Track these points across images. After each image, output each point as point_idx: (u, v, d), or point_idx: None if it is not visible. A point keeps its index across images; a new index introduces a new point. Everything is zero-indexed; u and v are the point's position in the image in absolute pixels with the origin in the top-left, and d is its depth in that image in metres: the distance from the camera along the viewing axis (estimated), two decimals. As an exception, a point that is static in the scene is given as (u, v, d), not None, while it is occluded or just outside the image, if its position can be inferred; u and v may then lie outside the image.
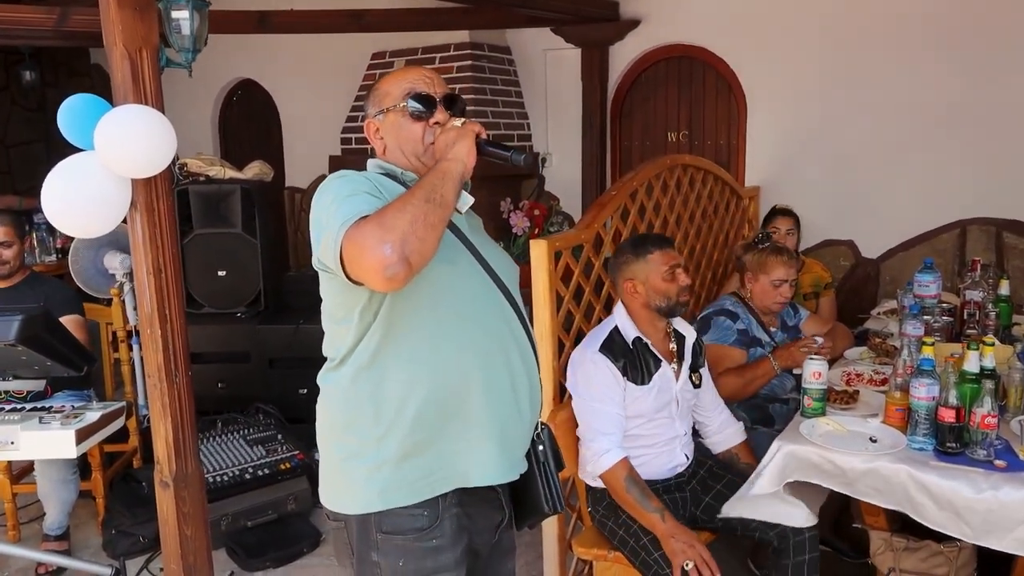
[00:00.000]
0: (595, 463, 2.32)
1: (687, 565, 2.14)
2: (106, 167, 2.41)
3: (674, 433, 2.51)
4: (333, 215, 1.42)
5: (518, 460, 1.64)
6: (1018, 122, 3.79)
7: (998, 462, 2.03)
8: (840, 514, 3.04)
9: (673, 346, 2.51)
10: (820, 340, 2.69)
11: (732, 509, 2.35)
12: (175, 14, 2.90)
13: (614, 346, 2.39)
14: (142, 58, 2.48)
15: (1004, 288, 3.04)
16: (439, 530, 1.56)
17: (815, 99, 4.28)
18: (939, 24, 3.91)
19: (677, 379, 2.48)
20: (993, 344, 2.19)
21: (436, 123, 1.59)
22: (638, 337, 2.42)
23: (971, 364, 2.13)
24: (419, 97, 1.59)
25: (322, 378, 1.64)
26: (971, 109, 3.88)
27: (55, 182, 2.40)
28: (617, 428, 2.35)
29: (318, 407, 1.66)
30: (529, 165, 1.61)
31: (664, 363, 2.44)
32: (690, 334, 2.58)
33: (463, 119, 1.57)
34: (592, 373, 2.37)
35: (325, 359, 1.65)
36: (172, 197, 2.63)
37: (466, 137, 1.51)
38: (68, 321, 3.20)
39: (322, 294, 1.59)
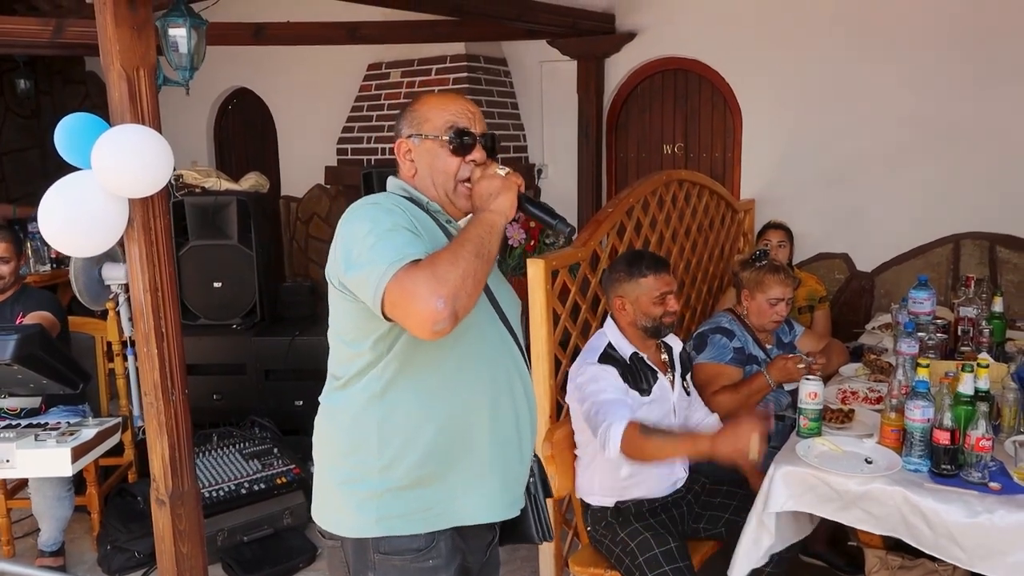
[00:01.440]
0: (610, 444, 2.21)
1: (753, 454, 2.00)
2: (103, 187, 2.41)
3: None
4: (377, 251, 1.40)
5: (518, 498, 1.65)
6: (1012, 137, 3.82)
7: (992, 484, 2.04)
8: (836, 529, 3.05)
9: (664, 357, 2.54)
10: (811, 360, 2.68)
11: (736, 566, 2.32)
12: (172, 32, 2.90)
13: (612, 361, 2.40)
14: (139, 77, 2.49)
15: (998, 305, 3.05)
16: (435, 551, 1.56)
17: (810, 113, 4.30)
18: (933, 40, 3.94)
19: (673, 389, 2.50)
20: (987, 365, 2.20)
21: (472, 161, 1.57)
22: (635, 352, 2.44)
23: (966, 386, 2.14)
24: (461, 132, 1.57)
25: (326, 397, 1.62)
26: (965, 124, 3.91)
27: (52, 201, 2.40)
28: (628, 411, 2.29)
29: (318, 424, 1.64)
30: (569, 237, 1.58)
31: (660, 375, 2.46)
32: (676, 344, 2.61)
33: (506, 168, 1.56)
34: (598, 373, 2.37)
35: (322, 372, 1.63)
36: (169, 216, 2.63)
37: (510, 191, 1.51)
38: (35, 317, 3.14)
39: (332, 309, 1.57)
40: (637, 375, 2.41)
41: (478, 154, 1.58)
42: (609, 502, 2.46)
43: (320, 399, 1.64)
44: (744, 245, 4.27)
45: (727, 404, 2.79)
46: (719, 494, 2.60)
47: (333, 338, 1.59)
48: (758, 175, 4.50)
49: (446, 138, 1.57)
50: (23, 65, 7.42)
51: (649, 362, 2.45)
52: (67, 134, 2.48)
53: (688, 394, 2.59)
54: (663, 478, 2.49)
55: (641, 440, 2.17)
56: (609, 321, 2.50)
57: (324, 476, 1.62)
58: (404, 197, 1.59)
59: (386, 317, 1.39)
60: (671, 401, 2.48)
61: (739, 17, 4.39)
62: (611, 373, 2.36)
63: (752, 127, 4.51)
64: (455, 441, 1.53)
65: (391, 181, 1.65)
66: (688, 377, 2.62)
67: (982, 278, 3.74)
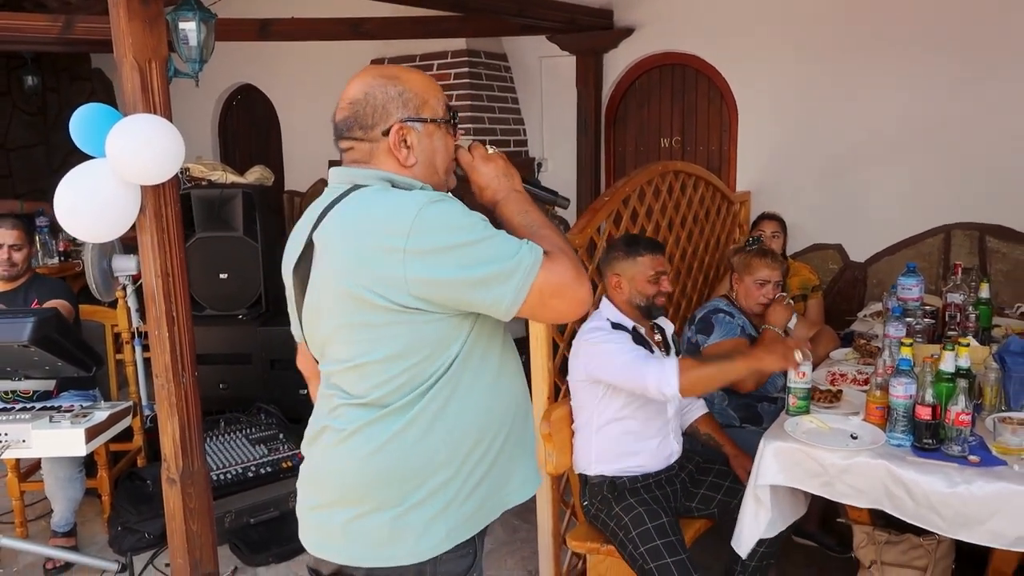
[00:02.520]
0: (668, 383, 2.23)
1: (798, 357, 2.22)
2: (117, 174, 2.50)
3: (665, 419, 2.57)
4: (503, 251, 1.32)
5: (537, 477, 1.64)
6: (1001, 129, 3.90)
7: (972, 457, 2.12)
8: (827, 511, 3.13)
9: (659, 337, 2.63)
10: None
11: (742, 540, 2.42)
12: (183, 26, 2.99)
13: (621, 329, 2.48)
14: (151, 69, 2.58)
15: (984, 291, 3.13)
16: (477, 561, 1.53)
17: (805, 107, 4.38)
18: (925, 33, 4.02)
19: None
20: (968, 345, 2.28)
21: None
22: (635, 327, 2.52)
23: (947, 364, 2.22)
24: (454, 111, 1.53)
25: (373, 430, 1.41)
26: (956, 117, 3.99)
27: (68, 188, 2.48)
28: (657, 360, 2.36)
29: (354, 462, 1.42)
30: (565, 206, 1.62)
31: (657, 351, 2.55)
32: (668, 327, 2.70)
33: (492, 146, 1.55)
34: (614, 337, 2.43)
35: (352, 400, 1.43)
36: (179, 204, 2.72)
37: (515, 175, 1.51)
38: (52, 304, 3.21)
39: (384, 341, 1.37)
40: (642, 343, 2.49)
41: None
42: (607, 471, 2.53)
43: (355, 433, 1.42)
44: (739, 236, 4.36)
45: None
46: (711, 473, 2.68)
47: (376, 363, 1.38)
48: (754, 168, 4.58)
49: (447, 119, 1.48)
50: (30, 61, 7.50)
51: (647, 338, 2.55)
52: (82, 123, 2.56)
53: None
54: (658, 451, 2.57)
55: (698, 370, 2.28)
56: (605, 300, 2.59)
57: (374, 517, 1.42)
58: (423, 189, 1.45)
59: (511, 318, 1.37)
60: None
61: (735, 13, 4.47)
62: (625, 338, 2.44)
63: (748, 121, 4.59)
64: (506, 429, 1.49)
65: (362, 173, 1.45)
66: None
67: (971, 267, 3.83)
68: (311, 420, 1.54)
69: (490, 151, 1.51)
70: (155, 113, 2.58)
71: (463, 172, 1.53)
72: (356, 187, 1.42)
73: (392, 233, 1.30)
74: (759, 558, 2.49)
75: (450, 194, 1.43)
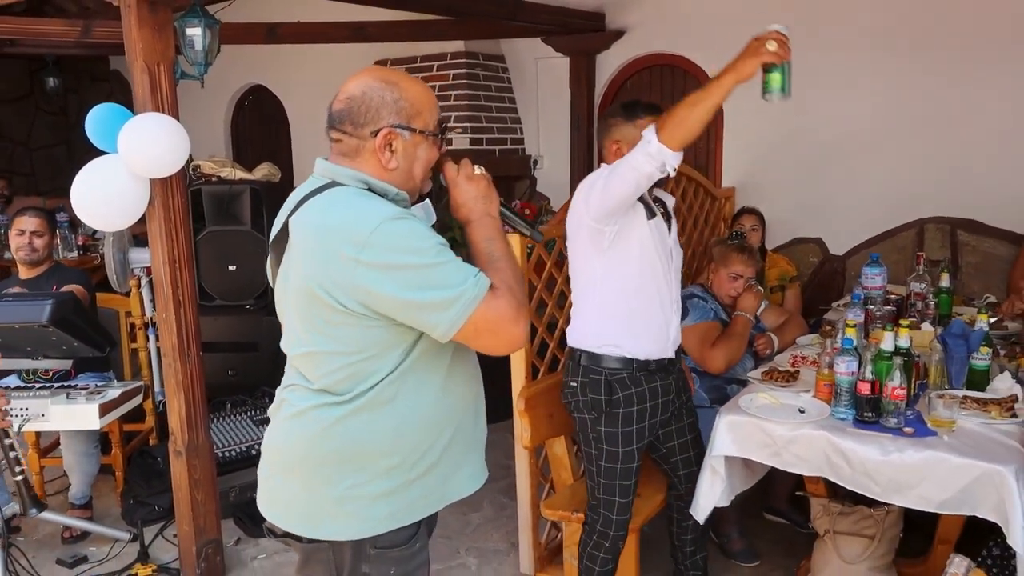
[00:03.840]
0: (649, 139, 2.14)
1: (771, 47, 1.99)
2: (128, 168, 2.73)
3: (671, 295, 2.48)
4: (444, 276, 1.38)
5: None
6: (972, 128, 4.04)
7: (907, 429, 2.30)
8: (796, 489, 3.30)
9: (660, 209, 2.52)
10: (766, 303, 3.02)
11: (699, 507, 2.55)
12: (189, 31, 3.22)
13: None
14: (160, 71, 2.81)
15: (945, 281, 3.30)
16: (420, 535, 1.61)
17: (786, 106, 4.45)
18: (902, 33, 4.16)
19: (669, 232, 2.51)
20: (908, 327, 2.45)
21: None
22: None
23: (886, 343, 2.39)
24: (444, 128, 1.56)
25: (320, 413, 1.51)
26: (930, 115, 4.14)
27: (83, 180, 2.72)
28: None
29: (301, 440, 1.53)
30: (539, 240, 1.60)
31: (658, 215, 2.45)
32: (669, 200, 2.61)
33: (480, 167, 1.56)
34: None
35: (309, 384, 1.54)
36: (186, 195, 2.94)
37: (494, 200, 1.55)
38: (69, 288, 3.45)
39: (324, 326, 1.46)
40: (643, 198, 2.37)
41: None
42: (599, 348, 2.44)
43: (309, 415, 1.52)
44: (724, 230, 4.53)
45: (727, 352, 3.06)
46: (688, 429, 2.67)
47: (333, 358, 1.48)
48: (738, 164, 4.75)
49: (434, 134, 1.52)
50: (51, 64, 7.78)
51: (646, 199, 2.42)
52: (96, 122, 2.80)
53: (680, 249, 2.60)
54: (659, 339, 2.46)
55: (667, 116, 2.10)
56: (604, 167, 2.42)
57: (317, 491, 1.53)
58: (367, 189, 1.50)
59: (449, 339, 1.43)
60: (668, 240, 2.49)
61: (719, 17, 4.63)
62: None
63: (732, 119, 4.75)
64: (453, 428, 1.57)
65: (342, 172, 1.51)
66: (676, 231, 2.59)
67: (942, 259, 3.99)
68: (279, 388, 1.64)
69: (476, 171, 1.54)
70: (163, 112, 2.80)
71: (445, 184, 1.57)
72: (334, 184, 1.50)
73: (350, 241, 1.38)
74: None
75: (422, 207, 1.57)
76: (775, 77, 2.03)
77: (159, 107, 2.81)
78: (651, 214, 2.40)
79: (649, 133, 2.15)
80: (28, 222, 3.64)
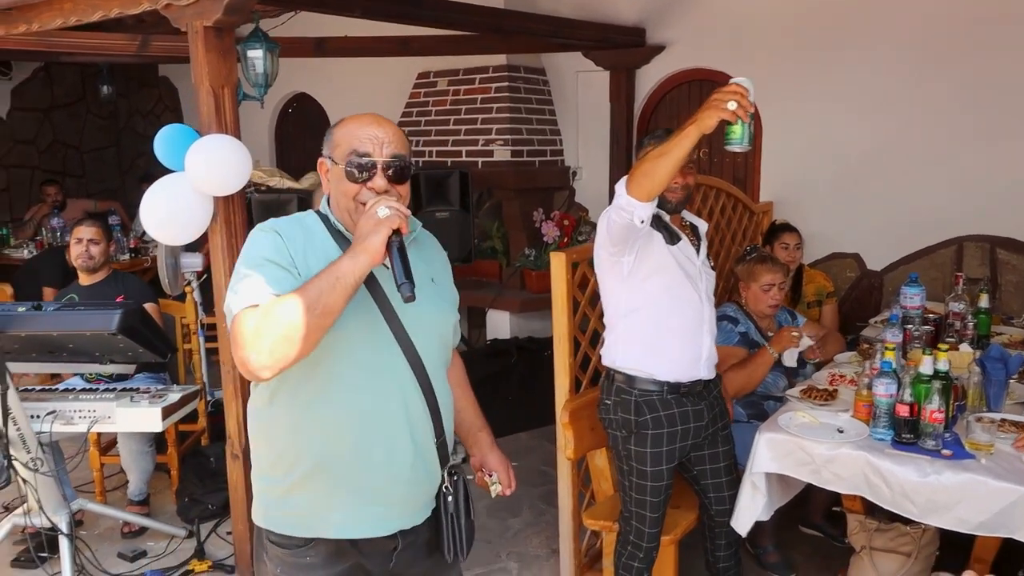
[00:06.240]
0: (619, 191, 2.23)
1: (731, 106, 2.01)
2: (194, 186, 2.87)
3: (701, 316, 2.50)
4: (234, 285, 1.51)
5: (392, 517, 1.68)
6: (1013, 144, 4.05)
7: (945, 451, 2.35)
8: (831, 503, 3.36)
9: (688, 234, 2.57)
10: (809, 340, 3.03)
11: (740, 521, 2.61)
12: (251, 54, 3.36)
13: None
14: (224, 94, 2.95)
15: (984, 301, 3.33)
16: (313, 551, 1.65)
17: (825, 120, 4.58)
18: (942, 48, 4.18)
19: (697, 254, 2.53)
20: (946, 350, 2.50)
21: (372, 188, 1.59)
22: (658, 214, 2.43)
23: (925, 367, 2.45)
24: (359, 162, 1.58)
25: (252, 398, 1.70)
26: (971, 130, 4.15)
27: (154, 199, 2.87)
28: None
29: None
30: (406, 294, 1.50)
31: (684, 239, 2.49)
32: (702, 224, 2.64)
33: (392, 207, 1.52)
34: None
35: None
36: (245, 212, 3.08)
37: (380, 233, 1.48)
38: (148, 307, 3.67)
39: None
40: (664, 225, 2.45)
41: (379, 181, 1.59)
42: (630, 368, 2.50)
43: None
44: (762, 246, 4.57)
45: (737, 380, 3.08)
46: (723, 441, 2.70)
47: None
48: (777, 179, 4.79)
49: (342, 165, 1.59)
50: (106, 72, 8.03)
51: (672, 226, 2.49)
52: (164, 142, 2.95)
53: (712, 270, 2.63)
54: (686, 354, 2.49)
55: (637, 168, 2.15)
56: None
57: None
58: (319, 214, 1.66)
59: None
60: (696, 263, 2.51)
61: (760, 32, 4.69)
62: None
63: (771, 133, 4.79)
64: (313, 460, 1.60)
65: (323, 199, 1.71)
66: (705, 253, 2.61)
67: (981, 278, 4.01)
68: None
69: (380, 214, 1.50)
70: (226, 132, 2.94)
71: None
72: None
73: None
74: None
75: (320, 220, 1.65)
76: (735, 130, 2.09)
77: (223, 128, 2.94)
78: (672, 239, 2.45)
79: (620, 186, 2.22)
80: (85, 231, 3.83)
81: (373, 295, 1.60)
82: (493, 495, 1.91)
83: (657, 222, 2.42)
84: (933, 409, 2.35)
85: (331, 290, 1.44)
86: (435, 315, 1.72)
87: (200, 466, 3.89)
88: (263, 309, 1.44)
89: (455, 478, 1.75)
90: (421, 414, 1.66)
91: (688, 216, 2.64)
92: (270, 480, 1.66)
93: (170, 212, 2.88)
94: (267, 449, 1.66)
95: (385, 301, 1.60)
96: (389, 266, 1.53)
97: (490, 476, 1.91)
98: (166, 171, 2.94)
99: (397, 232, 1.51)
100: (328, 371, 1.57)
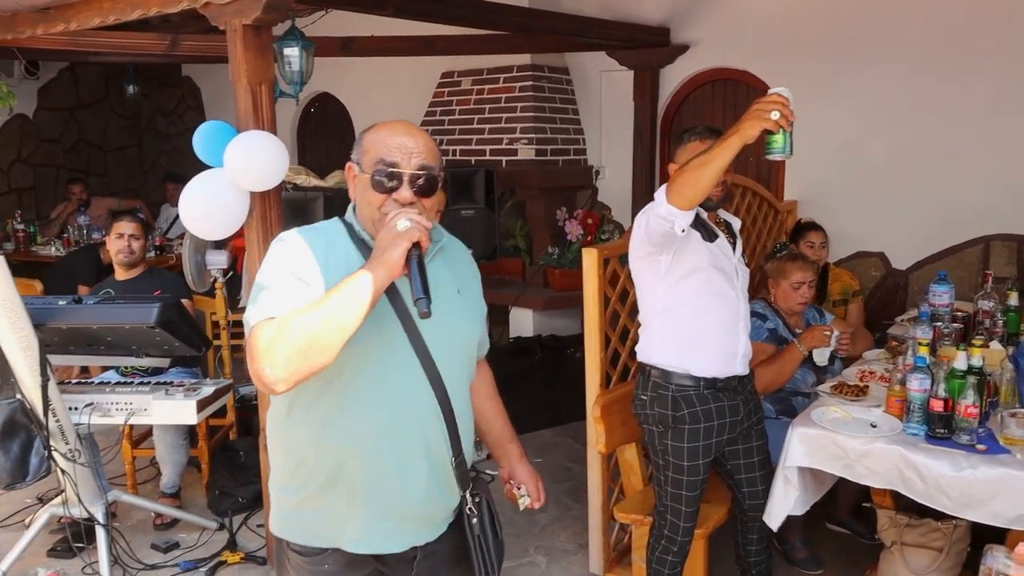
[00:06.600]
0: (658, 198, 2.24)
1: (774, 116, 2.02)
2: (232, 181, 2.92)
3: (737, 313, 2.53)
4: (253, 296, 1.51)
5: (407, 533, 1.66)
6: (1040, 145, 4.06)
7: (979, 446, 2.37)
8: (859, 500, 3.37)
9: (723, 230, 2.59)
10: (838, 333, 3.05)
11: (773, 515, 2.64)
12: (287, 52, 3.40)
13: None
14: (261, 91, 3.00)
15: (1013, 299, 3.33)
16: (331, 559, 1.65)
17: (850, 119, 4.58)
18: (968, 49, 4.18)
19: (734, 251, 2.57)
20: (980, 346, 2.52)
21: (396, 200, 1.56)
22: (695, 211, 2.36)
23: (959, 363, 2.47)
24: (385, 171, 1.56)
25: (271, 409, 1.70)
26: (995, 129, 4.15)
27: (193, 194, 2.92)
28: None
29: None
30: (422, 309, 1.46)
31: (721, 236, 2.52)
32: (735, 221, 2.68)
33: (413, 220, 1.49)
34: None
35: None
36: (280, 207, 3.13)
37: (399, 246, 1.46)
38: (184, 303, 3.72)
39: None
40: (701, 222, 2.46)
41: (404, 193, 1.56)
42: (667, 363, 2.52)
43: None
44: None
45: (765, 376, 3.07)
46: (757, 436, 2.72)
47: None
48: (801, 178, 4.80)
49: (369, 173, 1.57)
50: (131, 72, 8.11)
51: (708, 222, 2.51)
52: (203, 138, 3.00)
53: (747, 267, 2.65)
54: (722, 350, 2.51)
55: (679, 175, 2.16)
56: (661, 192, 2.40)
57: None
58: (344, 222, 1.65)
59: None
60: (732, 260, 2.54)
61: (784, 31, 4.70)
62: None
63: (796, 133, 4.71)
64: (333, 474, 1.60)
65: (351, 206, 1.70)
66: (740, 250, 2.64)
67: (1008, 276, 4.00)
68: None
69: (400, 227, 1.48)
70: (263, 129, 2.99)
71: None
72: None
73: None
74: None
75: (344, 228, 1.64)
76: (777, 139, 2.09)
77: (260, 124, 2.99)
78: (710, 237, 2.48)
79: (659, 195, 2.22)
80: (127, 226, 3.89)
81: (395, 308, 1.57)
82: (521, 508, 1.92)
83: (695, 220, 2.41)
84: (968, 404, 2.37)
85: (348, 304, 1.42)
86: (459, 329, 1.68)
87: (229, 460, 3.94)
88: (278, 322, 1.43)
89: (477, 499, 1.72)
90: (439, 432, 1.63)
91: (722, 213, 2.66)
92: (286, 490, 1.67)
93: (208, 208, 2.93)
94: (284, 460, 1.67)
95: (406, 314, 1.57)
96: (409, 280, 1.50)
97: (519, 489, 1.91)
98: (189, 170, 2.99)
99: (417, 245, 1.48)
100: (345, 386, 1.56)
